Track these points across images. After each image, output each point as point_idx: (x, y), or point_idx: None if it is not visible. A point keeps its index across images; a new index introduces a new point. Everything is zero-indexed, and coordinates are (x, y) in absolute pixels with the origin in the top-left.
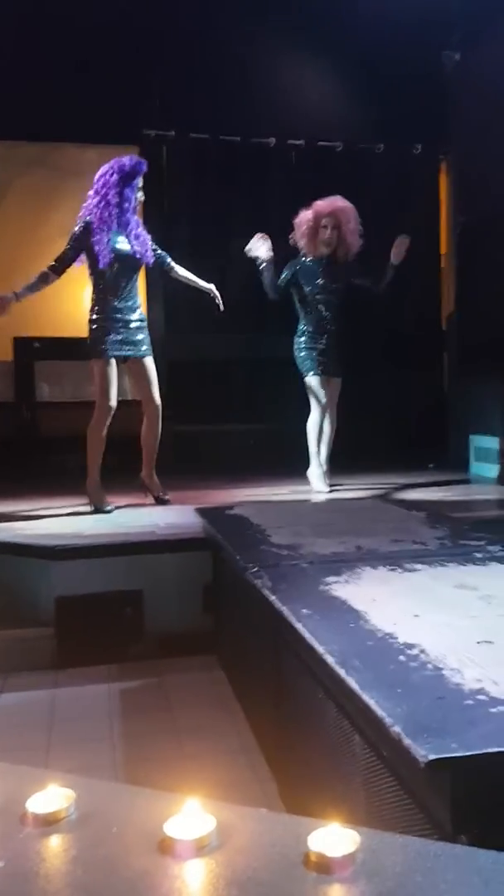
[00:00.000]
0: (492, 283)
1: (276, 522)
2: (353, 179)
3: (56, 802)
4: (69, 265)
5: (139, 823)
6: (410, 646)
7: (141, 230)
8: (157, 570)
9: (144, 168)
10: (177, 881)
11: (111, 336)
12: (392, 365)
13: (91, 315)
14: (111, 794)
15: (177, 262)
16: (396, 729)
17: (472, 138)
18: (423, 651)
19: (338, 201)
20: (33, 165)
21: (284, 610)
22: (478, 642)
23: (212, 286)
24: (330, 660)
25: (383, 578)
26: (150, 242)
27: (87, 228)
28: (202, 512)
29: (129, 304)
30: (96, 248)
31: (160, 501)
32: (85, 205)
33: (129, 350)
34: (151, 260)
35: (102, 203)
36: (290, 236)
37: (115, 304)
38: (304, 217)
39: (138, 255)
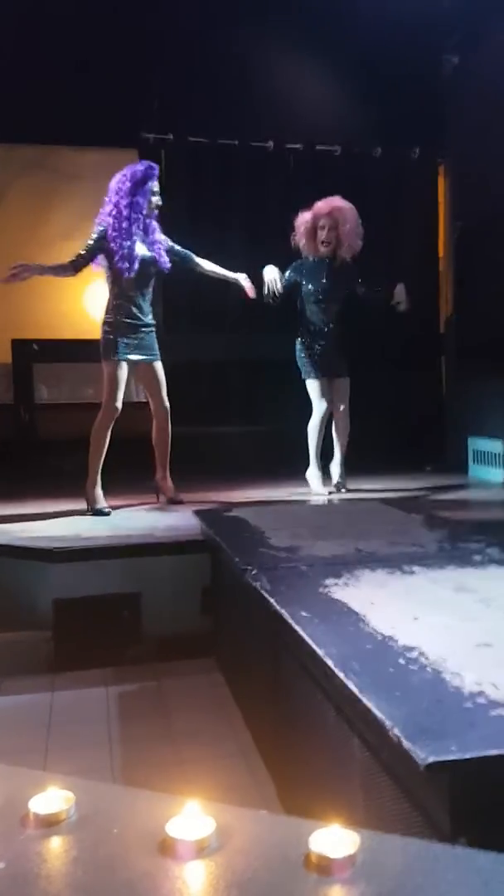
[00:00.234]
0: (490, 286)
1: (274, 525)
2: (351, 183)
3: (56, 804)
4: (84, 266)
5: (139, 825)
6: (410, 648)
7: (157, 236)
8: (156, 573)
9: (156, 173)
10: (177, 882)
11: (124, 340)
12: (390, 367)
13: (105, 318)
14: (111, 796)
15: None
16: (396, 731)
17: (470, 141)
18: (422, 653)
19: (335, 201)
20: (32, 168)
21: (283, 612)
22: (477, 645)
23: (239, 276)
24: (329, 662)
25: (382, 581)
26: (165, 247)
27: (103, 236)
28: (201, 514)
29: (143, 309)
30: (113, 254)
31: (173, 503)
32: (101, 211)
33: (140, 354)
34: (168, 266)
35: (115, 211)
36: (292, 237)
37: (130, 308)
38: (303, 218)
39: (154, 262)
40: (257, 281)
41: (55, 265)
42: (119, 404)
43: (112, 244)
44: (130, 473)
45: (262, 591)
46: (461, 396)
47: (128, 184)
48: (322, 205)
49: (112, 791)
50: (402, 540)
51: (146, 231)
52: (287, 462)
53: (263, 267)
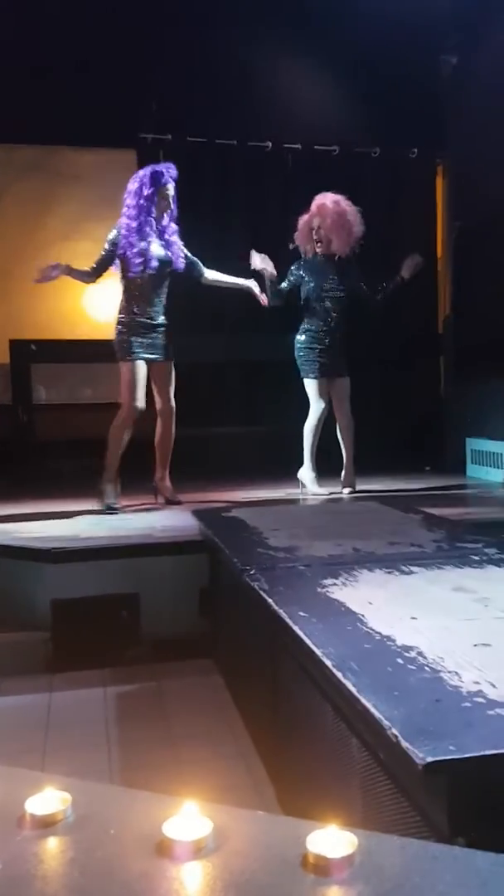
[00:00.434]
0: (488, 286)
1: (273, 525)
2: (350, 183)
3: (53, 805)
4: (104, 269)
5: (136, 826)
6: (408, 648)
7: (172, 237)
8: (154, 573)
9: (170, 173)
10: (174, 883)
11: (138, 339)
12: (388, 368)
13: (119, 318)
14: (108, 797)
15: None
16: (394, 731)
17: (468, 142)
18: (420, 654)
19: (321, 198)
20: (30, 169)
21: (281, 613)
22: (475, 645)
23: (248, 283)
24: (327, 662)
25: (380, 581)
26: (181, 249)
27: (114, 240)
28: (199, 514)
29: (157, 308)
30: (126, 254)
31: (171, 504)
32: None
33: (154, 353)
34: (182, 266)
35: (128, 211)
36: (294, 237)
37: (144, 308)
38: (303, 219)
39: (169, 262)
40: (262, 283)
41: (81, 270)
42: (140, 404)
43: (125, 244)
44: (129, 474)
45: (261, 592)
46: (460, 397)
47: (139, 184)
48: (315, 202)
49: (109, 792)
50: (401, 540)
51: (162, 232)
52: (286, 463)
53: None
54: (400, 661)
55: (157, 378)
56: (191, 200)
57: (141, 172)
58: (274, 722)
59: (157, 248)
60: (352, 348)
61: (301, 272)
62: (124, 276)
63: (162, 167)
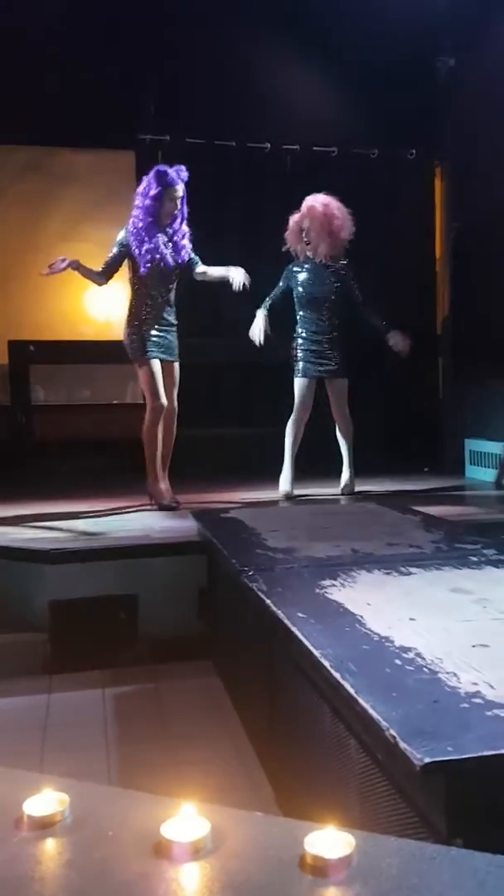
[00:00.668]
0: (486, 288)
1: (271, 526)
2: (348, 184)
3: (51, 806)
4: (114, 270)
5: (134, 827)
6: (406, 649)
7: (180, 238)
8: (152, 574)
9: (179, 175)
10: (172, 884)
11: (151, 338)
12: (387, 369)
13: (129, 319)
14: (106, 798)
15: None
16: (392, 732)
17: (466, 143)
18: (418, 655)
19: (309, 200)
20: (29, 169)
21: (280, 614)
22: (473, 646)
23: (230, 273)
24: (326, 663)
25: (379, 582)
26: (187, 250)
27: (123, 241)
28: (197, 515)
29: (167, 308)
30: (134, 254)
31: (163, 509)
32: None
33: (165, 353)
34: (184, 263)
35: (138, 212)
36: (285, 237)
37: (155, 308)
38: (293, 218)
39: (175, 263)
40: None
41: (91, 269)
42: (164, 400)
43: (132, 244)
44: (127, 474)
45: (259, 593)
46: (458, 398)
47: (146, 185)
48: (305, 204)
49: (107, 793)
50: (399, 541)
51: (171, 233)
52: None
53: (260, 269)
54: (398, 661)
55: (165, 378)
56: (189, 202)
57: (153, 172)
58: (272, 723)
59: (164, 249)
60: (350, 349)
61: (289, 281)
62: (133, 277)
63: (171, 168)
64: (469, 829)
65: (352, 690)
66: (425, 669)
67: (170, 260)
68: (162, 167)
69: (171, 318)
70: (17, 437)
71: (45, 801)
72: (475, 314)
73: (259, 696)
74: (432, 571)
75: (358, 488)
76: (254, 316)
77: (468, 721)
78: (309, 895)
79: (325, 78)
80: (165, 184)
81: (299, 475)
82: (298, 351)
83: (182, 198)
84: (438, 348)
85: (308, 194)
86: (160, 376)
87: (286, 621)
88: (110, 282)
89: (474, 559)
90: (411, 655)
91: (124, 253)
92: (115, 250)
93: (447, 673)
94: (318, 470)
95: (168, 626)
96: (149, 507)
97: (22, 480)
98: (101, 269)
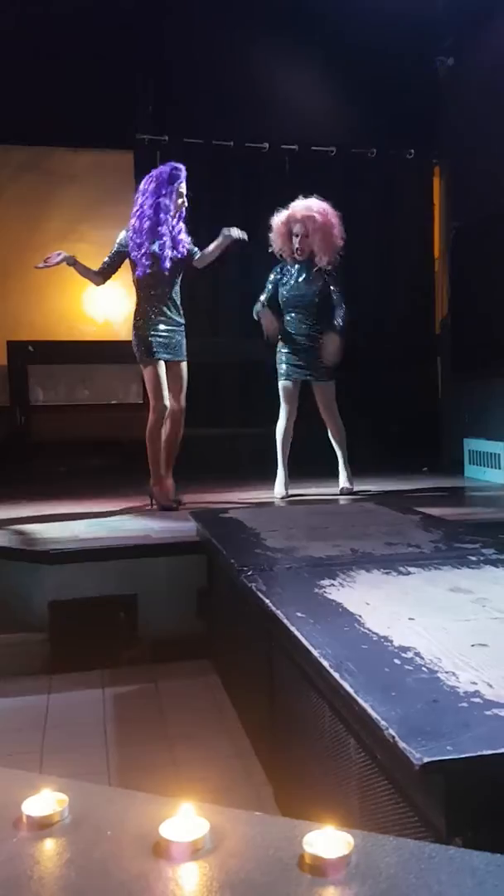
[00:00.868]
0: (485, 287)
1: (270, 526)
2: (347, 184)
3: (50, 806)
4: (113, 270)
5: (133, 827)
6: (405, 649)
7: (179, 235)
8: (152, 574)
9: (182, 174)
10: (171, 884)
11: (157, 339)
12: (386, 369)
13: (135, 320)
14: (105, 798)
15: None
16: (391, 732)
17: (465, 143)
18: (417, 654)
19: (311, 208)
20: (27, 170)
21: (279, 613)
22: (472, 645)
23: (222, 238)
24: (325, 663)
25: (378, 582)
26: (184, 244)
27: (123, 241)
28: (196, 515)
29: (172, 308)
30: (134, 255)
31: (165, 509)
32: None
33: (169, 353)
34: (184, 257)
35: (139, 212)
36: (270, 237)
37: (160, 307)
38: (279, 219)
39: (178, 261)
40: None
41: (88, 268)
42: (167, 401)
43: (132, 245)
44: (127, 474)
45: (258, 592)
46: (457, 397)
47: (153, 184)
48: (298, 208)
49: (106, 793)
50: (398, 541)
51: (173, 231)
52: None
53: (259, 269)
54: (397, 661)
55: (171, 378)
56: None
57: (155, 172)
58: (271, 722)
59: (167, 248)
60: (349, 350)
61: (278, 278)
62: (134, 279)
63: (172, 167)
64: (468, 829)
65: (351, 690)
66: (424, 669)
67: (168, 261)
68: (170, 164)
69: (177, 317)
70: (17, 438)
71: (44, 801)
72: (474, 314)
73: (258, 696)
74: (431, 571)
75: (357, 488)
76: (253, 316)
77: (467, 720)
78: (307, 894)
79: (323, 77)
80: (177, 181)
81: (299, 476)
82: (282, 354)
83: (186, 194)
84: (438, 348)
85: (307, 194)
86: (164, 378)
87: (285, 621)
88: (108, 282)
89: (473, 559)
90: (410, 655)
91: (123, 254)
92: (114, 251)
93: (446, 672)
94: (316, 470)
95: (167, 626)
96: (148, 508)
97: (21, 480)
98: (98, 269)
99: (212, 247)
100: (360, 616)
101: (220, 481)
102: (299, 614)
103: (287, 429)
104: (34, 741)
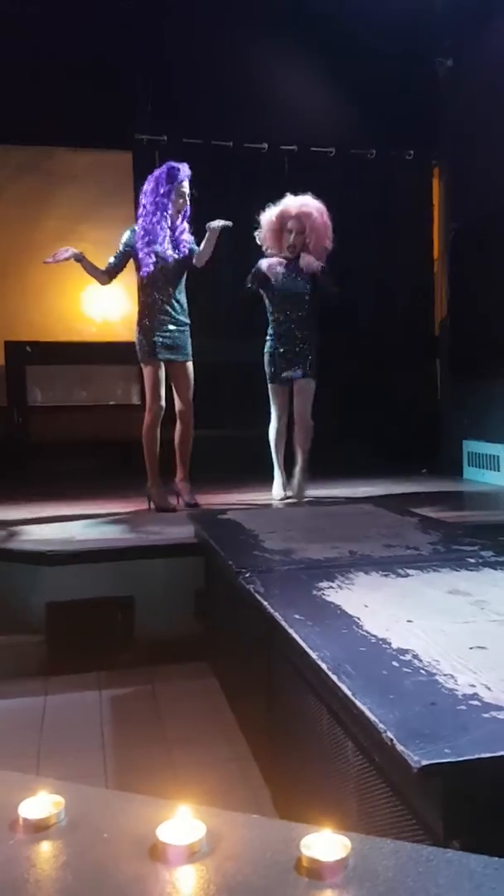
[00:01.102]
0: (484, 289)
1: (268, 528)
2: (346, 184)
3: (46, 808)
4: (118, 270)
5: (130, 829)
6: (403, 651)
7: (185, 236)
8: (149, 576)
9: (183, 172)
10: (168, 887)
11: (159, 339)
12: (385, 370)
13: (138, 320)
14: (102, 801)
15: None
16: (389, 735)
17: (464, 143)
18: (415, 656)
19: (306, 205)
20: (26, 170)
21: (277, 615)
22: (470, 648)
23: (210, 233)
24: (323, 665)
25: (376, 584)
26: (186, 244)
27: (128, 241)
28: (194, 517)
29: (176, 307)
30: (138, 255)
31: (189, 506)
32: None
33: (172, 354)
34: (187, 257)
35: (142, 212)
36: (256, 234)
37: (164, 307)
38: (269, 215)
39: (180, 261)
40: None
41: (95, 266)
42: (163, 402)
43: (136, 245)
44: (125, 475)
45: (256, 594)
46: (457, 399)
47: (153, 184)
48: (291, 205)
49: (102, 795)
50: (397, 543)
51: (175, 230)
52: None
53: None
54: (395, 664)
55: (176, 379)
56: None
57: (156, 171)
58: (269, 725)
59: (169, 248)
60: (348, 351)
61: (259, 276)
62: (139, 278)
63: (172, 166)
64: (466, 832)
65: (349, 692)
66: (422, 671)
67: (170, 260)
68: (171, 164)
69: (181, 318)
70: (14, 438)
71: (41, 803)
72: (473, 315)
73: (256, 698)
74: (430, 573)
75: (356, 489)
76: (252, 315)
77: (465, 723)
78: None
79: (322, 78)
80: (176, 181)
81: (289, 477)
82: (268, 355)
83: (189, 194)
84: (437, 349)
85: (306, 194)
86: (162, 379)
87: (283, 623)
88: (110, 283)
89: (472, 561)
90: (408, 657)
91: (129, 254)
92: (120, 250)
93: (444, 675)
94: (315, 471)
95: (165, 627)
96: (146, 509)
97: (18, 481)
98: (105, 268)
99: (203, 244)
100: (358, 618)
101: (218, 482)
102: (297, 616)
103: (280, 430)
104: (31, 743)
